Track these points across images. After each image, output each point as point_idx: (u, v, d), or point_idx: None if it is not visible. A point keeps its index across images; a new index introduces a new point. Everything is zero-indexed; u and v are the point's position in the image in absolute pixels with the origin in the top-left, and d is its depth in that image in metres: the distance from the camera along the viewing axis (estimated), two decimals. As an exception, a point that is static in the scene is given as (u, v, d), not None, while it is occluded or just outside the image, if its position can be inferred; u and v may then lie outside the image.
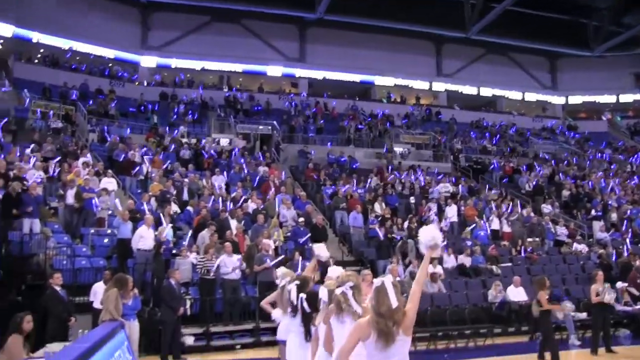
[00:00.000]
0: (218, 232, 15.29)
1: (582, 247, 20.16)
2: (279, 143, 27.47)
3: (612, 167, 31.46)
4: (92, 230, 15.79)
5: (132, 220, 15.12)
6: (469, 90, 40.75)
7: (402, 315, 4.07)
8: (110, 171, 18.84)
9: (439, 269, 16.04)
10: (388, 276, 4.21)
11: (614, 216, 22.53)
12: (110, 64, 34.05)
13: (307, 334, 5.95)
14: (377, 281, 4.17)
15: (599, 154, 34.20)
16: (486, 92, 41.42)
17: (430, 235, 4.30)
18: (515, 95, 42.22)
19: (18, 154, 17.92)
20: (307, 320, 6.02)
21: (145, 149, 22.22)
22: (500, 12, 33.79)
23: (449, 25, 36.17)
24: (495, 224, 20.41)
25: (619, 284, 14.85)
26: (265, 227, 16.15)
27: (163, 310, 11.83)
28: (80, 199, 15.56)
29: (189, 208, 17.42)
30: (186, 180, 19.20)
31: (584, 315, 14.46)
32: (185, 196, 18.53)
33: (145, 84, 33.59)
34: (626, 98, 41.72)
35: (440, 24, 36.20)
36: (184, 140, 25.08)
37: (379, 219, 18.59)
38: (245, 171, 21.98)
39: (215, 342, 12.84)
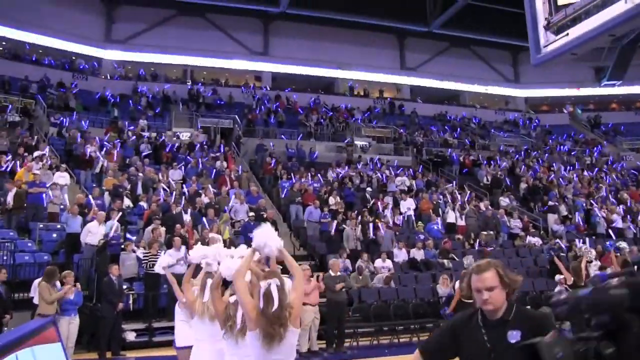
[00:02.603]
0: (168, 227, 15.34)
1: (535, 240, 20.40)
2: (239, 137, 27.39)
3: (571, 159, 31.88)
4: (41, 225, 15.80)
5: (82, 214, 15.14)
6: (432, 83, 40.77)
7: (289, 313, 4.08)
8: (63, 165, 18.76)
9: (388, 263, 16.22)
10: (274, 279, 4.13)
11: (562, 208, 22.83)
12: (73, 57, 33.69)
13: None
14: (263, 284, 4.13)
15: (560, 147, 34.62)
16: (449, 85, 41.49)
17: (263, 237, 4.32)
18: (478, 88, 42.41)
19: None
20: None
21: (104, 142, 22.13)
22: (461, 6, 34.05)
23: (412, 19, 36.40)
24: (450, 217, 20.58)
25: (557, 277, 15.02)
26: (215, 222, 16.18)
27: (103, 306, 11.83)
28: (20, 201, 15.33)
29: (141, 203, 17.41)
30: (140, 174, 19.09)
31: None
32: (139, 190, 18.50)
33: (109, 77, 33.30)
34: (587, 91, 42.20)
35: (402, 18, 36.47)
36: (144, 134, 24.97)
37: (332, 213, 18.69)
38: (201, 165, 21.89)
39: (157, 338, 12.72)
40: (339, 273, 12.57)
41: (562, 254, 18.17)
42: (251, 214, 17.15)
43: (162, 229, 14.98)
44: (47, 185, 16.79)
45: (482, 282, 3.12)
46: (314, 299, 11.75)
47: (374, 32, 38.43)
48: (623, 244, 17.89)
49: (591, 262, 16.95)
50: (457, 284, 14.61)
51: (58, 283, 10.55)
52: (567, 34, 10.57)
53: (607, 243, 19.42)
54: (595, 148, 35.10)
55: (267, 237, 4.34)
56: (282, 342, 4.01)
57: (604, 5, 9.79)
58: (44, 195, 16.26)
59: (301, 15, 35.90)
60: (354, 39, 38.08)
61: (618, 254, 16.26)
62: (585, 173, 28.90)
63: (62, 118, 24.59)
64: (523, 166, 28.26)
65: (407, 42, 40.53)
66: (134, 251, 14.16)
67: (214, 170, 21.64)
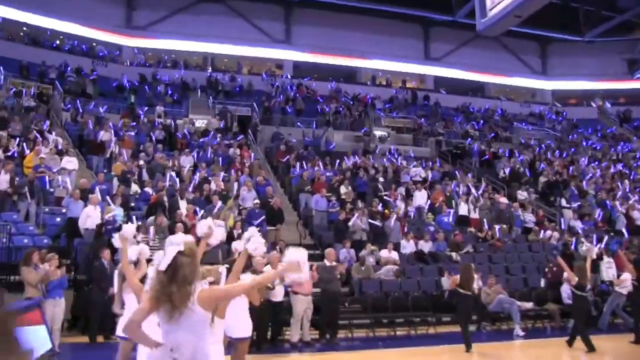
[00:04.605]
0: (170, 214, 15.28)
1: (550, 235, 19.81)
2: (256, 125, 27.21)
3: (596, 154, 31.07)
4: (47, 209, 15.85)
5: (84, 199, 15.09)
6: (456, 74, 40.05)
7: (192, 290, 3.69)
8: (72, 150, 18.84)
9: (394, 255, 15.88)
10: (179, 246, 3.75)
11: (583, 203, 22.20)
12: (93, 44, 33.85)
13: None
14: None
15: (587, 141, 33.80)
16: (474, 76, 40.70)
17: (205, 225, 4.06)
18: (504, 80, 41.60)
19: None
20: None
21: (117, 128, 22.16)
22: (488, -5, 33.31)
23: (437, 8, 35.74)
24: (463, 210, 20.09)
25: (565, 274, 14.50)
26: (220, 209, 16.00)
27: (93, 290, 11.77)
28: (14, 185, 15.31)
29: (147, 189, 17.34)
30: (142, 162, 19.03)
31: (530, 304, 14.29)
32: (145, 176, 18.45)
33: (128, 63, 33.39)
34: (618, 85, 41.10)
35: (427, 7, 35.80)
36: (160, 120, 24.97)
37: (341, 202, 18.39)
38: (213, 152, 21.76)
39: (151, 323, 12.68)
40: (334, 263, 12.30)
41: (570, 251, 17.62)
42: (256, 201, 16.91)
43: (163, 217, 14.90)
44: (55, 170, 16.89)
45: None
46: (307, 288, 11.51)
47: (398, 20, 37.84)
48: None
49: (601, 259, 16.49)
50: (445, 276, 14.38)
51: (46, 265, 10.44)
52: (511, -6, 10.22)
53: (613, 241, 18.71)
54: (623, 143, 34.14)
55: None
56: (184, 316, 3.64)
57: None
58: (46, 179, 16.33)
59: (323, 3, 35.56)
60: (377, 27, 37.53)
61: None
62: (611, 169, 28.09)
63: (71, 104, 24.67)
64: (546, 159, 27.55)
65: (431, 32, 39.84)
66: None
67: (226, 158, 21.50)
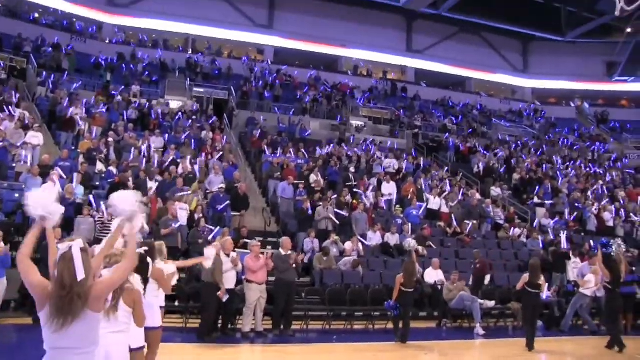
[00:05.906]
0: (133, 195, 14.96)
1: (519, 233, 19.69)
2: (233, 109, 26.90)
3: (573, 154, 31.00)
4: (5, 185, 15.45)
5: (45, 176, 14.73)
6: (438, 67, 39.84)
7: (88, 288, 3.42)
8: (37, 125, 18.42)
9: (358, 246, 15.66)
10: (78, 240, 3.50)
11: (556, 202, 22.16)
12: (73, 19, 33.25)
13: None
14: (62, 247, 3.50)
15: (564, 140, 33.74)
16: (456, 71, 40.54)
17: (126, 201, 3.78)
18: (485, 76, 41.51)
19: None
20: None
21: (89, 106, 21.77)
22: (473, -10, 33.23)
23: (421, 1, 35.42)
24: (432, 204, 19.89)
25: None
26: (183, 192, 15.67)
27: (40, 269, 11.41)
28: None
29: (111, 168, 16.99)
30: (110, 140, 18.65)
31: (492, 303, 14.12)
32: (112, 156, 18.09)
33: (108, 41, 32.83)
34: (597, 86, 41.21)
35: (410, -1, 35.58)
36: (134, 100, 24.56)
37: (308, 190, 18.13)
38: (185, 134, 21.40)
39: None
40: (289, 252, 12.04)
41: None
42: (221, 185, 16.59)
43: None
44: (18, 145, 16.52)
45: None
46: (261, 277, 11.24)
47: (381, 11, 37.67)
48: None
49: (569, 259, 16.39)
50: (430, 272, 14.23)
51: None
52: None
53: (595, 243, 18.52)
54: (599, 144, 34.14)
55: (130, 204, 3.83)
56: (76, 321, 3.38)
57: None
58: (8, 154, 16.00)
59: (308, -10, 35.18)
60: (360, 17, 37.39)
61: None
62: (586, 169, 28.03)
63: (49, 78, 24.16)
64: (520, 157, 27.41)
65: (414, 24, 39.61)
66: (92, 216, 13.75)
67: (198, 140, 21.16)
